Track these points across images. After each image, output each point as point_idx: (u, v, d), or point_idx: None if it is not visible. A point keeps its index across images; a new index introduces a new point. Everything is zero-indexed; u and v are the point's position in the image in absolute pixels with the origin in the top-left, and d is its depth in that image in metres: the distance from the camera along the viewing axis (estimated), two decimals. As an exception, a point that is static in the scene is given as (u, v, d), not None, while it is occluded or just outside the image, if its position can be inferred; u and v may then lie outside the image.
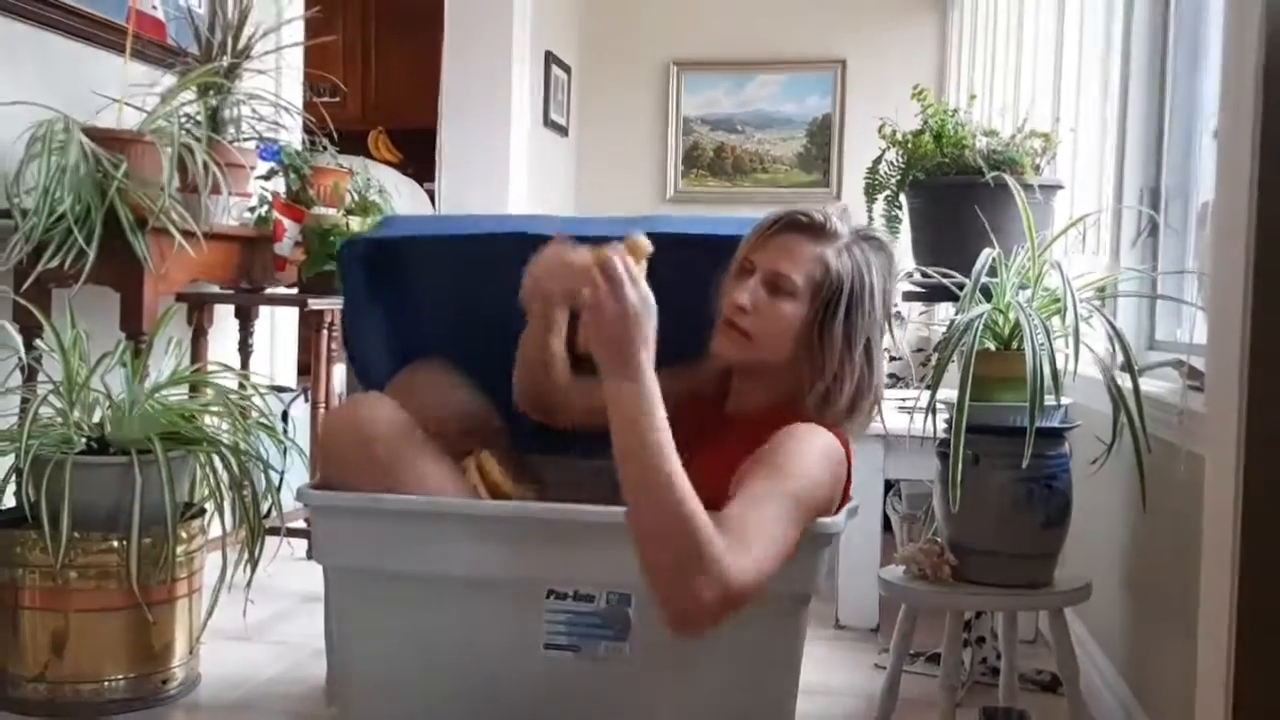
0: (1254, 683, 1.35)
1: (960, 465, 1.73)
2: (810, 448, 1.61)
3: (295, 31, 3.32)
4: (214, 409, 2.28)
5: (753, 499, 1.52)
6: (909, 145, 2.34)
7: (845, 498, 1.73)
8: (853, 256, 1.69)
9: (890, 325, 1.80)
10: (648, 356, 1.45)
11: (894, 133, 2.38)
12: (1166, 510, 1.79)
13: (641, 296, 1.44)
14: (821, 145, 5.66)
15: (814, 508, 1.59)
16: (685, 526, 1.40)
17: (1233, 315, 1.35)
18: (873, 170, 2.42)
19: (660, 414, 1.45)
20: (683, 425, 1.78)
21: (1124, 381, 1.76)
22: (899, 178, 2.38)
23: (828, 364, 1.67)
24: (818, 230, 1.69)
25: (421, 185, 5.03)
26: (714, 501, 1.60)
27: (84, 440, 2.09)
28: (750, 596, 1.45)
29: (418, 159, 5.46)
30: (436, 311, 2.06)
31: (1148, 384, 1.85)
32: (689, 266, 1.76)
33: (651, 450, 1.43)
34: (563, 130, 5.51)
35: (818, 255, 1.68)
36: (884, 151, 2.41)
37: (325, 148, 2.90)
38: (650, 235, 1.76)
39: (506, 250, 1.85)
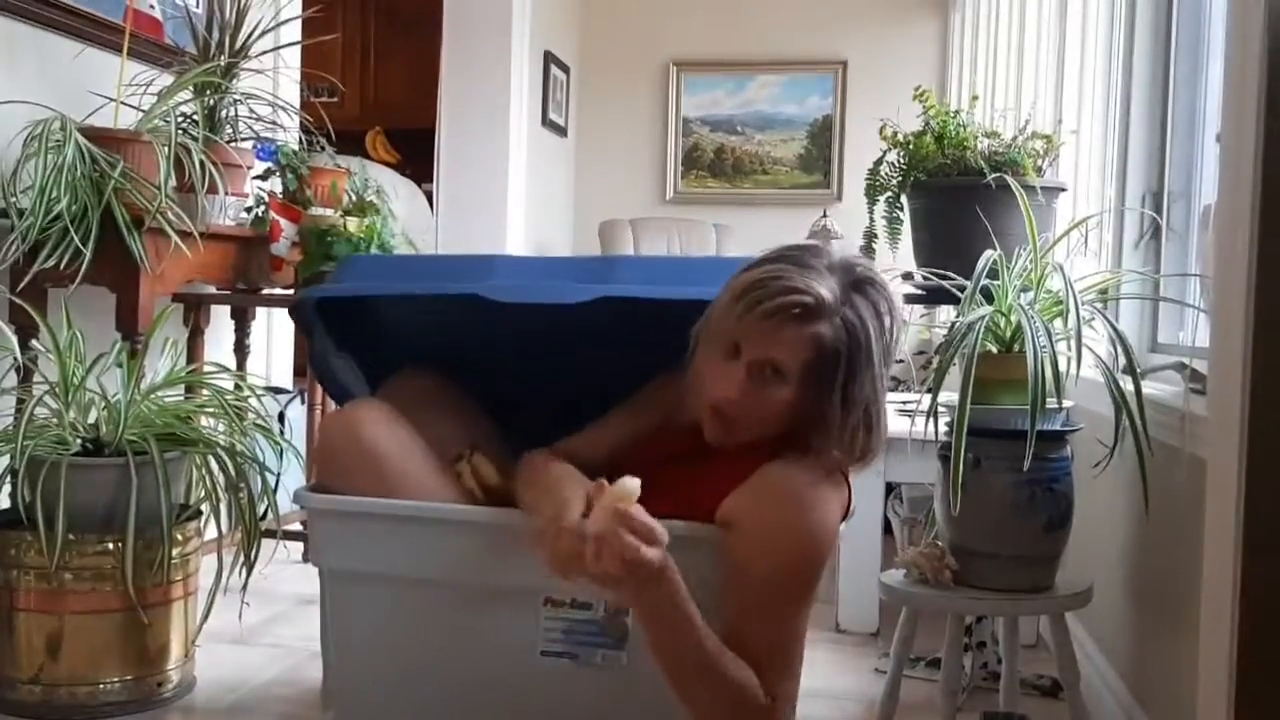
0: (1257, 688, 1.34)
1: (961, 468, 1.72)
2: (811, 517, 1.59)
3: (293, 31, 3.31)
4: (210, 410, 2.27)
5: (766, 615, 1.58)
6: (910, 146, 2.33)
7: (845, 516, 1.72)
8: (846, 322, 1.57)
9: (895, 355, 1.70)
10: (666, 566, 1.47)
11: (895, 134, 2.37)
12: (1168, 514, 1.78)
13: (638, 550, 1.42)
14: (822, 146, 5.65)
15: (821, 575, 1.63)
16: (736, 696, 1.53)
17: (1235, 318, 1.35)
18: (874, 172, 2.40)
19: (689, 605, 1.50)
20: (664, 442, 1.78)
21: (1126, 384, 1.75)
22: (900, 179, 2.37)
23: (830, 430, 1.61)
24: (812, 312, 1.56)
25: (420, 186, 5.03)
26: (699, 515, 1.61)
27: (79, 441, 2.08)
28: (794, 700, 1.63)
29: (416, 159, 5.46)
30: (405, 350, 2.04)
31: (1150, 387, 1.85)
32: (647, 317, 1.73)
33: (691, 646, 1.51)
34: (561, 131, 5.50)
35: (809, 336, 1.56)
36: (885, 153, 2.40)
37: (323, 148, 2.89)
38: (612, 299, 1.75)
39: (463, 305, 1.84)
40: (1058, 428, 1.85)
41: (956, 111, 2.34)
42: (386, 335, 2.07)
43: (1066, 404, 1.86)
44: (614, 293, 1.77)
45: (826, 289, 1.57)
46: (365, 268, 2.23)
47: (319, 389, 3.02)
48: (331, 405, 3.00)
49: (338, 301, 1.98)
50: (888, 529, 2.78)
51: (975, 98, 2.79)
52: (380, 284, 2.01)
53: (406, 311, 2.04)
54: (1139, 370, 1.79)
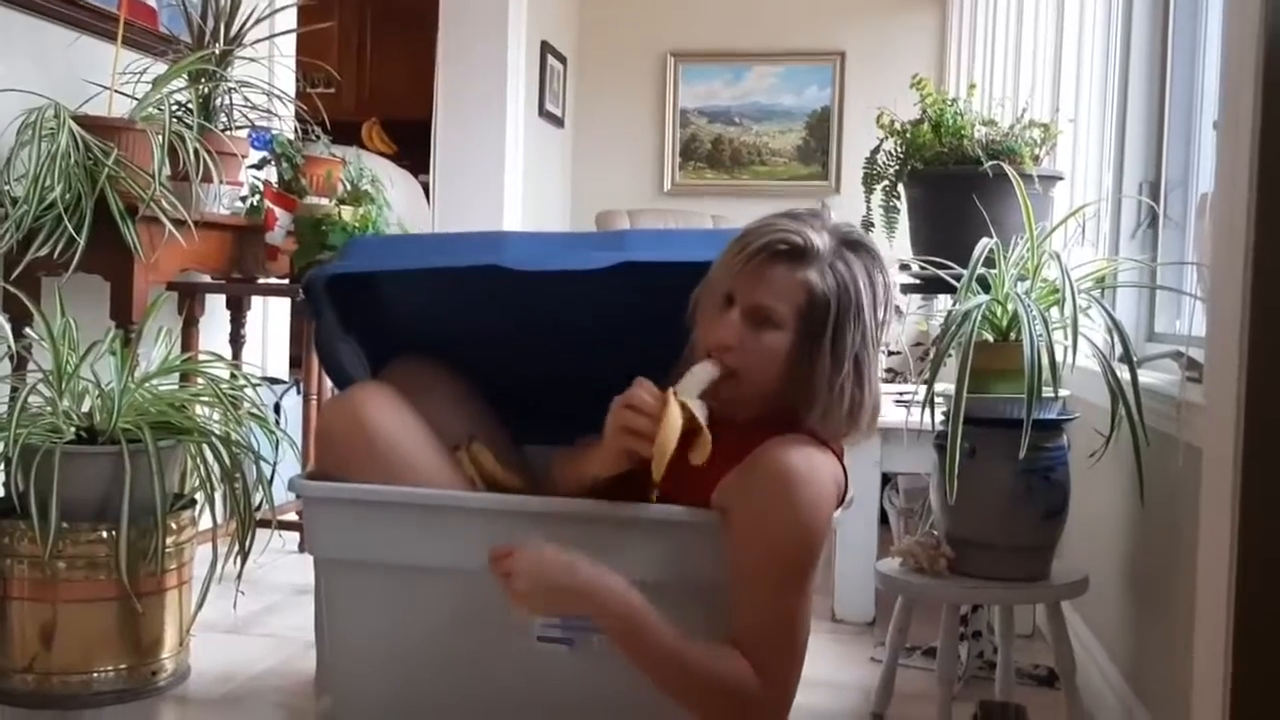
0: (1251, 676, 1.34)
1: (957, 457, 1.72)
2: (803, 501, 1.58)
3: (288, 19, 3.30)
4: (205, 399, 2.26)
5: (762, 599, 1.57)
6: (908, 135, 2.32)
7: (841, 501, 1.72)
8: (836, 273, 1.61)
9: (887, 326, 1.74)
10: (588, 572, 1.53)
11: (892, 122, 2.36)
12: (1164, 503, 1.78)
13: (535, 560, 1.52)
14: (820, 138, 5.65)
15: (816, 557, 1.61)
16: (717, 684, 1.53)
17: (1232, 307, 1.34)
18: (871, 160, 2.40)
19: (635, 601, 1.53)
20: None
21: (1122, 373, 1.75)
22: (897, 168, 2.36)
23: (819, 387, 1.62)
24: (799, 254, 1.60)
25: (416, 177, 5.02)
26: (700, 498, 1.61)
27: (73, 429, 2.08)
28: (795, 685, 1.59)
29: (412, 151, 5.45)
30: (412, 333, 2.03)
31: (1146, 376, 1.84)
32: (663, 290, 1.73)
33: (652, 643, 1.52)
34: (558, 121, 5.49)
35: (800, 281, 1.60)
36: (882, 141, 2.39)
37: (318, 137, 2.88)
38: (634, 265, 1.75)
39: (476, 278, 1.83)
40: (1054, 417, 1.85)
41: (954, 100, 2.34)
42: (392, 317, 2.06)
43: (1063, 393, 1.86)
44: (636, 258, 1.77)
45: (816, 237, 1.61)
46: (372, 247, 2.22)
47: (315, 379, 3.01)
48: (328, 396, 3.00)
49: (347, 280, 1.96)
50: (884, 520, 2.78)
51: (973, 86, 2.79)
52: (394, 260, 1.99)
53: (413, 292, 2.02)
54: (1135, 359, 1.79)
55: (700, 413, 1.58)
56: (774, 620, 1.57)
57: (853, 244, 1.65)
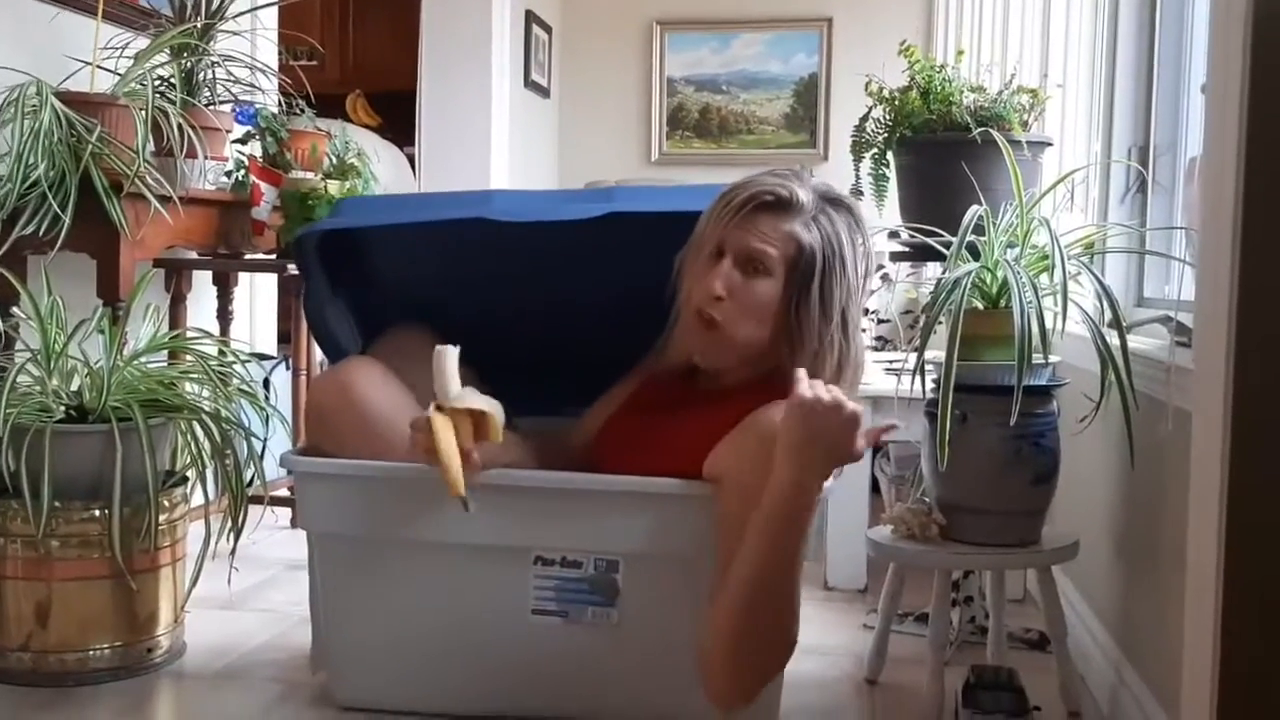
0: (1241, 639, 1.34)
1: (948, 424, 1.72)
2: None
3: (271, -9, 3.26)
4: (194, 376, 2.26)
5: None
6: (896, 102, 2.31)
7: None
8: (820, 227, 1.67)
9: (870, 281, 1.78)
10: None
11: (881, 89, 2.35)
12: (1154, 467, 1.79)
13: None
14: (809, 105, 5.61)
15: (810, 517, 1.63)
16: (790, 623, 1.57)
17: (1220, 271, 1.34)
18: (860, 128, 2.39)
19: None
20: (654, 398, 1.79)
21: (1112, 338, 1.75)
22: (886, 135, 2.35)
23: (808, 340, 1.65)
24: (785, 205, 1.66)
25: (401, 149, 4.98)
26: (684, 464, 1.62)
27: (63, 408, 2.07)
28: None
29: (397, 123, 5.40)
30: (401, 295, 2.03)
31: (1135, 340, 1.85)
32: (652, 250, 1.73)
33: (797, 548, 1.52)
34: (544, 91, 5.45)
35: (787, 232, 1.65)
36: (871, 108, 2.38)
37: (302, 111, 2.86)
38: (615, 215, 1.75)
39: (465, 234, 1.82)
40: (1044, 383, 1.85)
41: (942, 66, 2.32)
42: (381, 279, 2.05)
43: (1053, 359, 1.87)
44: (622, 208, 1.77)
45: (801, 190, 1.67)
46: (363, 206, 2.22)
47: (304, 354, 3.01)
48: (317, 371, 2.99)
49: (337, 241, 1.95)
50: (875, 488, 2.79)
51: (961, 52, 2.77)
52: (385, 217, 1.99)
53: (402, 253, 2.02)
54: (1125, 324, 1.79)
55: (473, 399, 1.63)
56: None
57: (833, 201, 1.71)
